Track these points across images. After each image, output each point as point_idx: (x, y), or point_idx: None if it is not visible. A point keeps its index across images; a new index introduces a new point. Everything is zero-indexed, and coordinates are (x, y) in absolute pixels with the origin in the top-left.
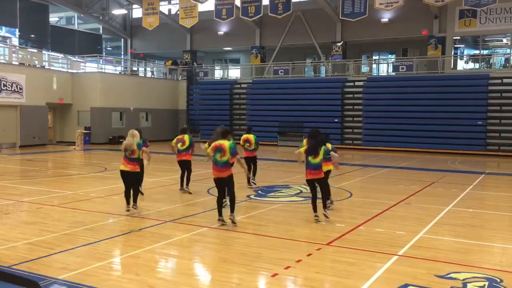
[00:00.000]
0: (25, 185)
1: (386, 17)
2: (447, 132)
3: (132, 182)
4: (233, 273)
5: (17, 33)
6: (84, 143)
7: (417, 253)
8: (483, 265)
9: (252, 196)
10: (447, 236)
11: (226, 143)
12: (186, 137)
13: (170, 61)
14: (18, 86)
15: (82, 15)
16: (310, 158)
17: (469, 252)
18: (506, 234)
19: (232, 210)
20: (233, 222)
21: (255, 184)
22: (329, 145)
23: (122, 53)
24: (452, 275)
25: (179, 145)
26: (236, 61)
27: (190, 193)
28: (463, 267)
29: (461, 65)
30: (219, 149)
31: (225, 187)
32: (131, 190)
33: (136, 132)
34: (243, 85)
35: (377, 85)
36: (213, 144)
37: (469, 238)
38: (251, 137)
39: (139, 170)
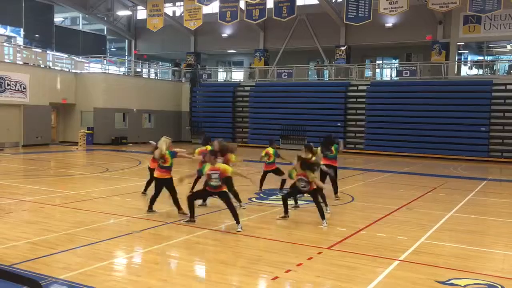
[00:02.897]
0: (27, 185)
1: (390, 21)
2: (449, 137)
3: (168, 189)
4: (234, 275)
5: (22, 32)
6: (87, 143)
7: (418, 259)
8: (484, 272)
9: (253, 199)
10: (448, 242)
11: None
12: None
13: (185, 64)
14: (22, 85)
15: (86, 15)
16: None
17: (470, 258)
18: (507, 241)
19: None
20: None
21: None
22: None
23: (126, 54)
24: (453, 281)
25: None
26: (239, 64)
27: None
28: (464, 273)
29: (465, 71)
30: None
31: None
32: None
33: (168, 140)
34: (246, 88)
35: (380, 90)
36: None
37: (470, 244)
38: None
39: (169, 176)
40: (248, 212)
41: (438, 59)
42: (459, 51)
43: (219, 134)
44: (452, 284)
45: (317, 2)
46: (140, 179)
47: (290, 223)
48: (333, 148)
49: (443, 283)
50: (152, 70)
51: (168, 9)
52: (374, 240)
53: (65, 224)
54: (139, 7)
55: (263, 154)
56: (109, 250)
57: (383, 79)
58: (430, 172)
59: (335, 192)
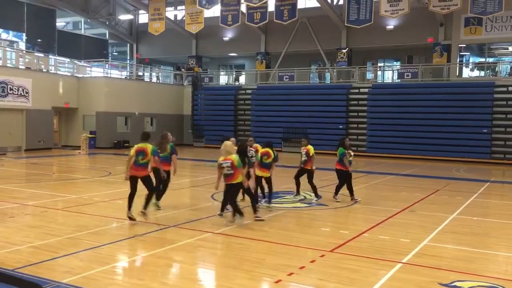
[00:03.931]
0: (30, 189)
1: (391, 24)
2: (452, 139)
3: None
4: (236, 278)
5: (24, 37)
6: (89, 147)
7: (421, 261)
8: (487, 274)
9: None
10: (451, 244)
11: (149, 147)
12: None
13: (197, 68)
14: (25, 90)
15: (88, 20)
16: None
17: (473, 261)
18: (510, 243)
19: (145, 206)
20: (143, 214)
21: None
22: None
23: (128, 58)
24: (457, 284)
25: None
26: (241, 67)
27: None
28: (468, 275)
29: (467, 72)
30: (142, 152)
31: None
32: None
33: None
34: (248, 91)
35: (382, 92)
36: (136, 147)
37: (473, 247)
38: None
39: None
40: (250, 215)
41: (440, 61)
42: (461, 53)
43: (221, 137)
44: (455, 287)
45: (318, 5)
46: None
47: (292, 226)
48: (337, 151)
49: (446, 285)
50: (153, 74)
51: (170, 13)
52: (376, 243)
53: (68, 228)
54: (140, 11)
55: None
56: (112, 254)
57: (384, 81)
58: (432, 174)
59: (335, 193)
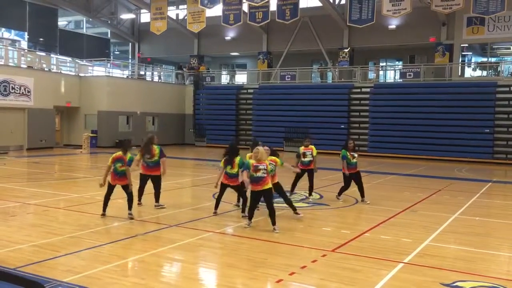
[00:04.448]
0: (32, 188)
1: (393, 23)
2: (454, 139)
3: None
4: (238, 278)
5: (26, 36)
6: (91, 146)
7: (423, 261)
8: (489, 274)
9: None
10: (453, 244)
11: (128, 156)
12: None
13: (202, 66)
14: (26, 89)
15: (90, 19)
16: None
17: (475, 261)
18: None
19: (129, 207)
20: (130, 218)
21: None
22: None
23: (130, 57)
24: (458, 284)
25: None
26: (243, 66)
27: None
28: (469, 275)
29: (469, 72)
30: (121, 159)
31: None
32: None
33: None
34: (249, 90)
35: (384, 92)
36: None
37: (475, 247)
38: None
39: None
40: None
41: (442, 61)
42: (463, 53)
43: (223, 136)
44: (457, 287)
45: (320, 5)
46: None
47: (294, 225)
48: (341, 153)
49: (448, 285)
50: (155, 73)
51: (172, 12)
52: (378, 243)
53: (69, 227)
54: (142, 11)
55: (315, 154)
56: (113, 253)
57: (386, 81)
58: (434, 174)
59: (338, 193)
